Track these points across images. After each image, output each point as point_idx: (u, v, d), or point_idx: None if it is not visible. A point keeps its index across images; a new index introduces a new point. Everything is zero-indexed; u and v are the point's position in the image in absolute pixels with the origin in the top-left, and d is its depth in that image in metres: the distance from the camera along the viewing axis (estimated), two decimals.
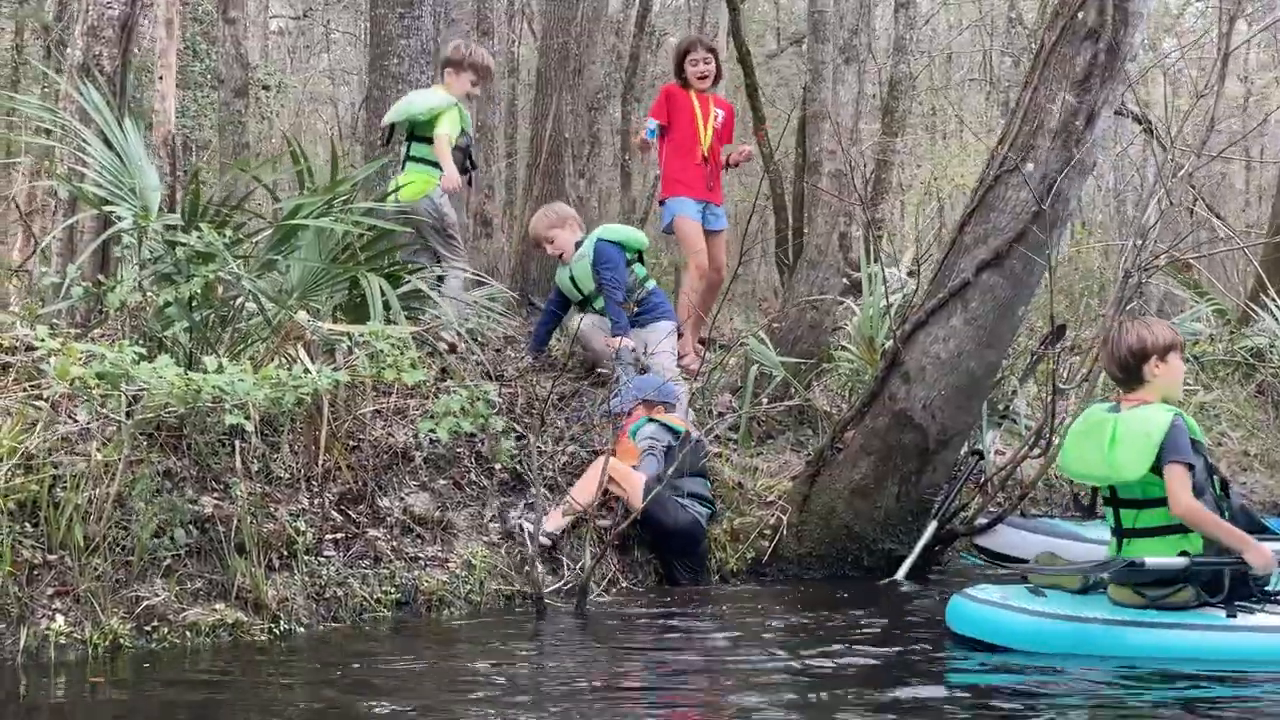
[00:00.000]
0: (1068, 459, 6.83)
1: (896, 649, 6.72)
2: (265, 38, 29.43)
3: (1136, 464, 6.37)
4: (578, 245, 9.67)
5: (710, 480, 8.72)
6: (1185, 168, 9.79)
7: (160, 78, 12.62)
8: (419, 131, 9.86)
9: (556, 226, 9.66)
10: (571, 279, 9.70)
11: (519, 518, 7.86)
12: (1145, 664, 6.32)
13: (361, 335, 7.10)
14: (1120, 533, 6.67)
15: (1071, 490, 6.96)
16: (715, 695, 5.87)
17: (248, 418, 6.69)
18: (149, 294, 7.08)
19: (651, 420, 8.56)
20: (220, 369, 6.47)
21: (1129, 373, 6.65)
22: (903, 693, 5.85)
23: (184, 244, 6.94)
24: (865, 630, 7.17)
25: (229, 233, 7.22)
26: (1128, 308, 8.54)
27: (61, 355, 6.28)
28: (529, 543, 7.65)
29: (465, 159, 10.03)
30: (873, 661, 6.44)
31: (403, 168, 9.95)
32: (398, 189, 9.29)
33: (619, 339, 9.30)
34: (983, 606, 6.73)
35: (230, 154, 17.90)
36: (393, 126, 10.19)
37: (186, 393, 6.37)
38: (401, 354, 7.05)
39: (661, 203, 11.22)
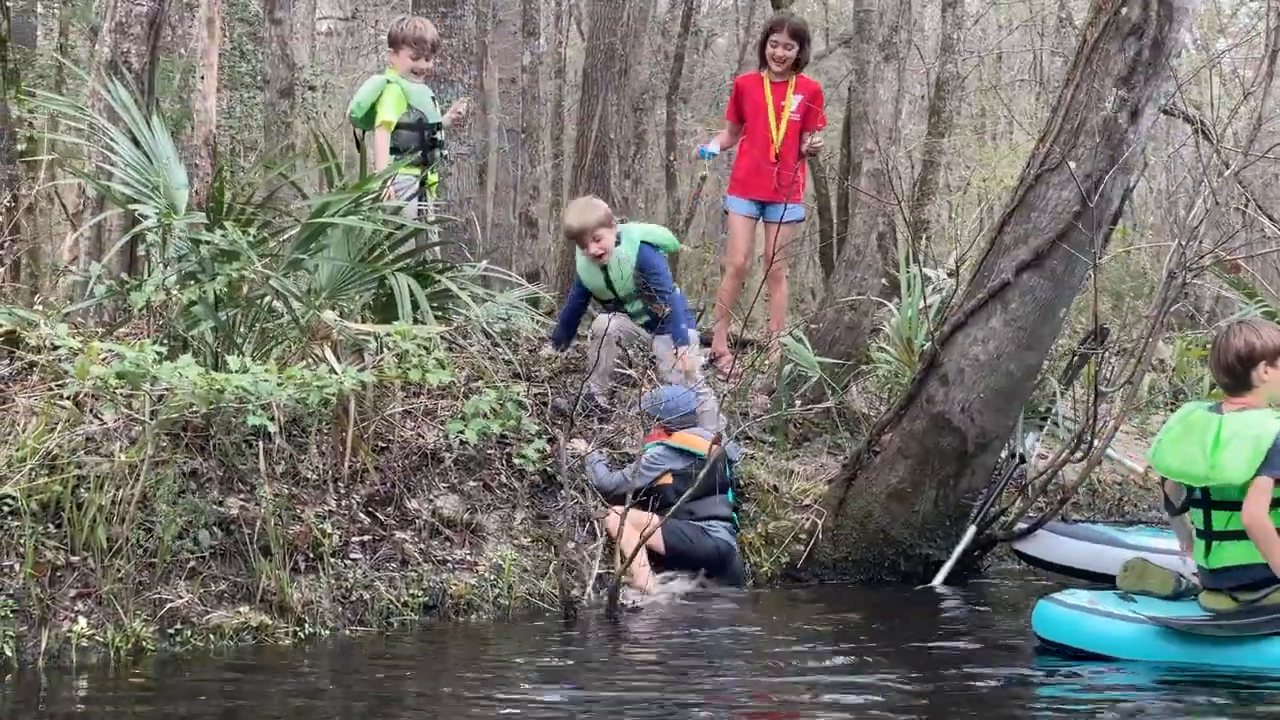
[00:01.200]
0: (1164, 456, 6.61)
1: (974, 651, 6.65)
2: (313, 39, 29.45)
3: (1241, 468, 6.20)
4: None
5: (738, 486, 8.57)
6: (1232, 166, 9.59)
7: (202, 77, 12.57)
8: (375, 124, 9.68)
9: (606, 225, 9.14)
10: (607, 280, 9.32)
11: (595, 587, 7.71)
12: (1240, 671, 6.17)
13: (388, 335, 7.01)
14: (1209, 535, 6.49)
15: (1161, 488, 6.82)
16: (756, 708, 5.75)
17: (272, 419, 6.62)
18: (173, 293, 7.00)
19: (661, 444, 8.29)
20: (244, 369, 6.39)
21: (1236, 378, 6.47)
22: (992, 704, 5.75)
23: (208, 242, 6.87)
24: (924, 636, 7.08)
25: (253, 231, 7.13)
26: (1171, 309, 8.38)
27: (82, 355, 6.22)
28: (562, 549, 7.58)
29: (423, 136, 9.71)
30: (952, 670, 6.30)
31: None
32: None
33: (684, 351, 8.99)
34: (1071, 611, 6.61)
35: (276, 155, 17.89)
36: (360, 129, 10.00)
37: (209, 393, 6.30)
38: (427, 353, 6.96)
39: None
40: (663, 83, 21.20)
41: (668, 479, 8.14)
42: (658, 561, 7.92)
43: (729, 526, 8.27)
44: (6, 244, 8.89)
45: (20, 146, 11.54)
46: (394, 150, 9.45)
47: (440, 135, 9.80)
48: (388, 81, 9.57)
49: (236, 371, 6.38)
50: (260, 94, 19.45)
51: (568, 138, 23.61)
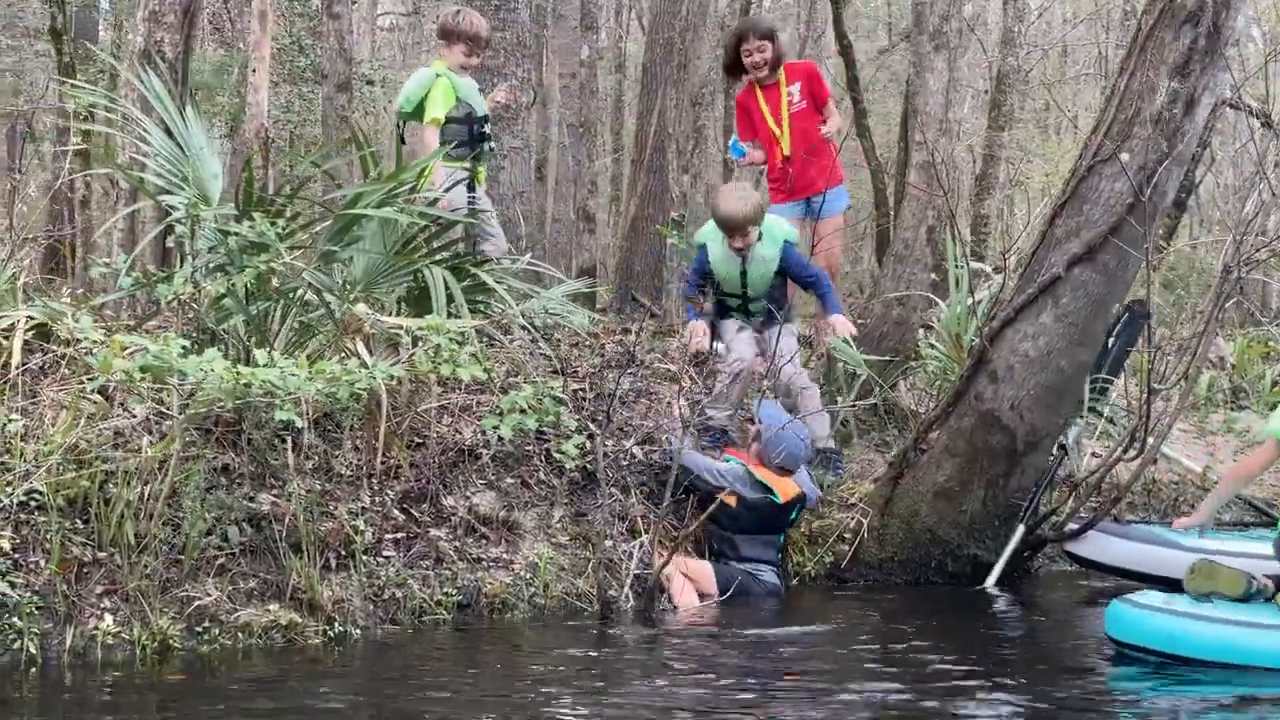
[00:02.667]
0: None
1: (1044, 654, 6.56)
2: (374, 34, 29.51)
3: None
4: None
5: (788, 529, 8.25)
6: None
7: (254, 70, 12.51)
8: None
9: (757, 221, 8.75)
10: (743, 275, 8.95)
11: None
12: None
13: (420, 329, 6.90)
14: None
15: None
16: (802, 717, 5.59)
17: (301, 414, 6.52)
18: (201, 286, 6.92)
19: (746, 468, 8.00)
20: (271, 362, 6.30)
21: None
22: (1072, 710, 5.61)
23: (236, 234, 6.78)
24: (985, 639, 6.96)
25: (282, 223, 7.03)
26: (1228, 304, 8.18)
27: (105, 348, 6.15)
28: (597, 550, 7.45)
29: (471, 129, 9.58)
30: (1024, 677, 6.09)
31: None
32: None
33: (840, 320, 8.88)
34: (1146, 613, 6.46)
35: (327, 147, 17.88)
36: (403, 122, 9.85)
37: (236, 387, 6.21)
38: (459, 347, 6.84)
39: None
40: (722, 77, 21.08)
41: (732, 500, 7.86)
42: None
43: (776, 570, 8.01)
44: (28, 235, 8.84)
45: (76, 139, 11.54)
46: (446, 143, 9.35)
47: (488, 128, 9.68)
48: (436, 75, 9.47)
49: (264, 366, 6.28)
50: (319, 89, 19.49)
51: (627, 132, 23.55)
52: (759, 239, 8.79)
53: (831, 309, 8.94)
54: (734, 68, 10.43)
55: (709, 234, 8.99)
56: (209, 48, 21.78)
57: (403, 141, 9.75)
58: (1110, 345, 8.93)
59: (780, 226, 8.98)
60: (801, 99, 10.22)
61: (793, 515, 8.12)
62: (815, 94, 10.29)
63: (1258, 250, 8.08)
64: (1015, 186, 22.93)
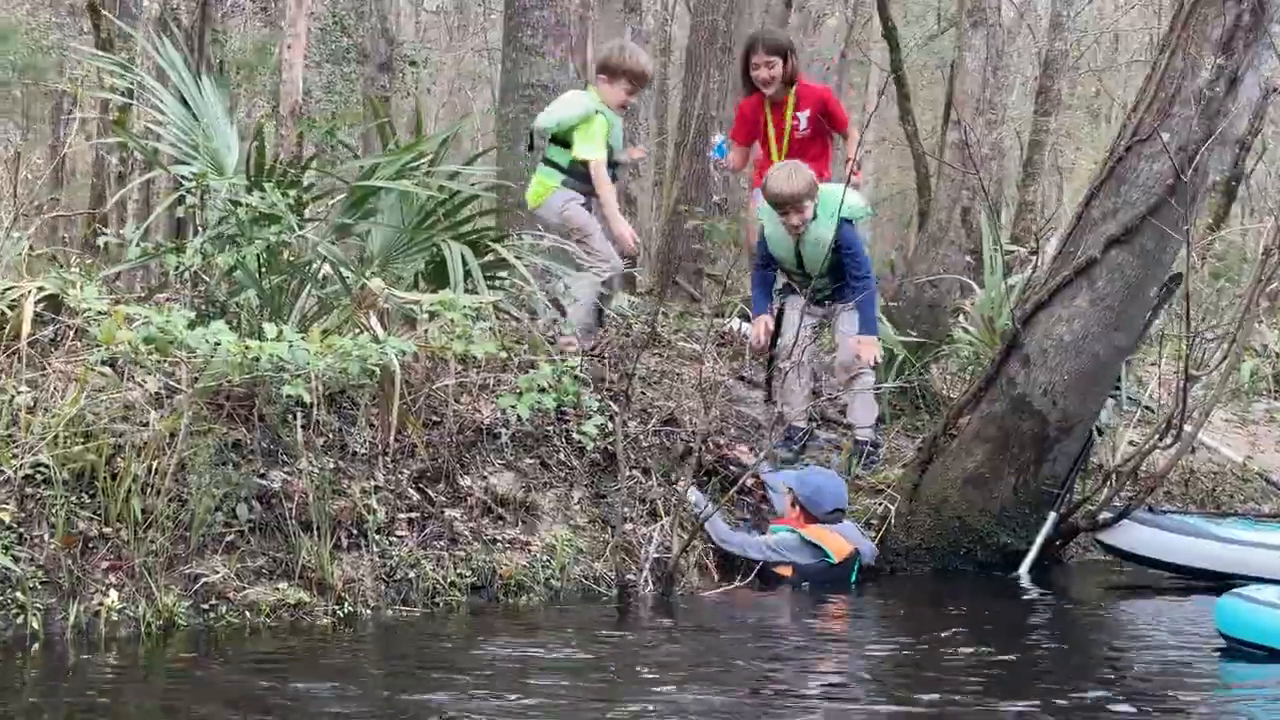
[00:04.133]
0: None
1: (1141, 653, 6.35)
2: (418, 15, 29.47)
3: None
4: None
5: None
6: None
7: (289, 46, 12.39)
8: (558, 135, 9.28)
9: (810, 196, 8.63)
10: (799, 253, 8.85)
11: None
12: None
13: (432, 304, 6.77)
14: None
15: None
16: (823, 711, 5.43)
17: (310, 389, 6.39)
18: (210, 257, 6.79)
19: (795, 533, 7.71)
20: (279, 336, 6.17)
21: None
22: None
23: (246, 204, 6.65)
24: (1019, 632, 6.73)
25: (293, 194, 6.90)
26: (1269, 288, 7.99)
27: (108, 318, 6.04)
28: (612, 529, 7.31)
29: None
30: (1125, 679, 5.86)
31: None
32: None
33: (868, 341, 8.70)
34: (1265, 608, 6.16)
35: (344, 123, 17.81)
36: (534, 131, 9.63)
37: (244, 361, 6.09)
38: (473, 324, 6.70)
39: None
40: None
41: (788, 570, 7.60)
42: None
43: None
44: (44, 205, 8.76)
45: (102, 113, 11.47)
46: (572, 174, 9.15)
47: (616, 171, 9.44)
48: (596, 111, 9.12)
49: (273, 339, 6.16)
50: (361, 69, 19.46)
51: (672, 116, 23.44)
52: (814, 217, 8.64)
53: (866, 327, 8.74)
54: (746, 78, 10.15)
55: (765, 211, 8.90)
56: (254, 26, 21.80)
57: (531, 147, 9.55)
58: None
59: (840, 201, 8.56)
60: (808, 126, 9.89)
61: (852, 578, 7.77)
62: (831, 121, 9.96)
63: None
64: (1060, 173, 22.69)
